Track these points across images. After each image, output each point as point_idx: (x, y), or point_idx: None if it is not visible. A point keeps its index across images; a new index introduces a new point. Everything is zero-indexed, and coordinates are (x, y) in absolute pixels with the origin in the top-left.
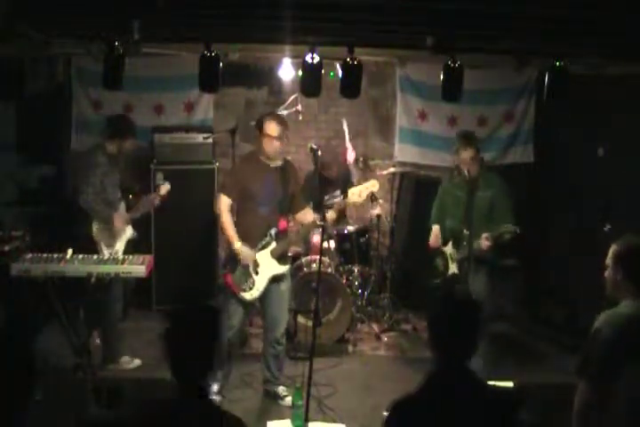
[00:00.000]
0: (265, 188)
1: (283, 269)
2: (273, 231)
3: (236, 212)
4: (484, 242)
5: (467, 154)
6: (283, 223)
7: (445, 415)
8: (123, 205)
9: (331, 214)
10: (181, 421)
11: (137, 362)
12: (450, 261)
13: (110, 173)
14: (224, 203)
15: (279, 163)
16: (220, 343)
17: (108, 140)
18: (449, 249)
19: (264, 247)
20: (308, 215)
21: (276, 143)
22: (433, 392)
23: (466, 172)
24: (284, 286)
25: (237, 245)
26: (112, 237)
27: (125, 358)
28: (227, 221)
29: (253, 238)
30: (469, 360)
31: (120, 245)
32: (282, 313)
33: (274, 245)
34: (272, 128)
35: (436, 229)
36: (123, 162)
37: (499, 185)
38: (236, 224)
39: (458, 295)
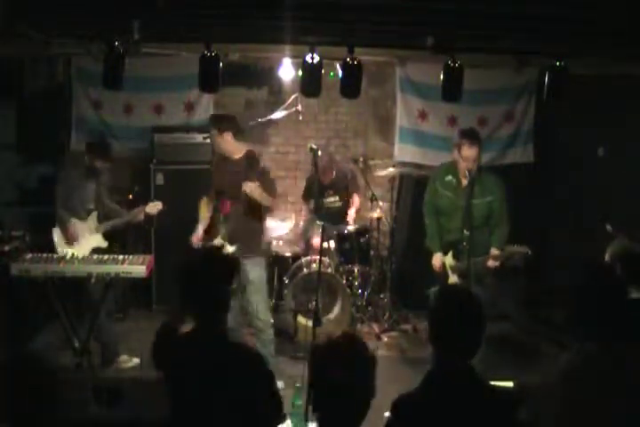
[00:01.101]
0: (230, 181)
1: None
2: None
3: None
4: (492, 262)
5: (471, 152)
6: (226, 206)
7: (446, 414)
8: (93, 217)
9: None
10: (199, 352)
11: (135, 361)
12: (450, 272)
13: (81, 186)
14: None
15: (240, 155)
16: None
17: (86, 152)
18: (449, 260)
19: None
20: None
21: (215, 141)
22: (434, 391)
23: (466, 172)
24: (253, 272)
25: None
26: (69, 243)
27: (124, 358)
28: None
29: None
30: (471, 359)
31: (80, 252)
32: (255, 296)
33: (223, 230)
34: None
35: (437, 256)
36: (104, 177)
37: (498, 189)
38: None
39: (460, 293)
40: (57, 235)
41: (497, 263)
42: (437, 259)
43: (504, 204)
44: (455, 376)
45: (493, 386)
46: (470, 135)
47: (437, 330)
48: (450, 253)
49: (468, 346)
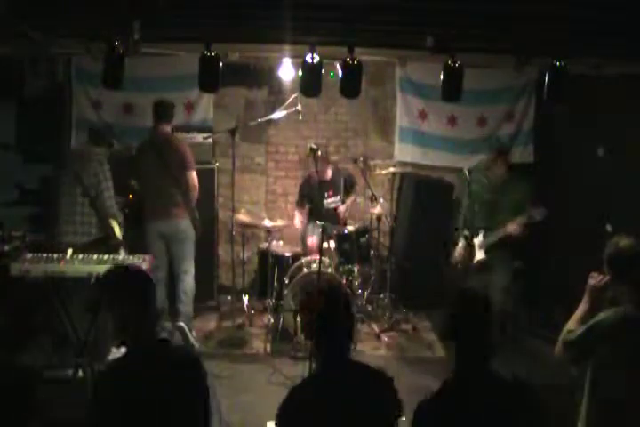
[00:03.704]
0: None
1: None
2: None
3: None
4: (512, 226)
5: (499, 170)
6: None
7: (470, 416)
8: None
9: None
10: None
11: (122, 350)
12: (477, 249)
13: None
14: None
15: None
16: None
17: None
18: (478, 239)
19: None
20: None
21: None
22: (457, 394)
23: (488, 177)
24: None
25: None
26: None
27: (113, 350)
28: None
29: None
30: (491, 359)
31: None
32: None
33: None
34: None
35: (461, 245)
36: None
37: (525, 191)
38: None
39: (476, 295)
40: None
41: (516, 226)
42: (460, 248)
43: (528, 200)
44: (477, 378)
45: (515, 385)
46: (497, 154)
47: (460, 332)
48: (481, 234)
49: (489, 347)
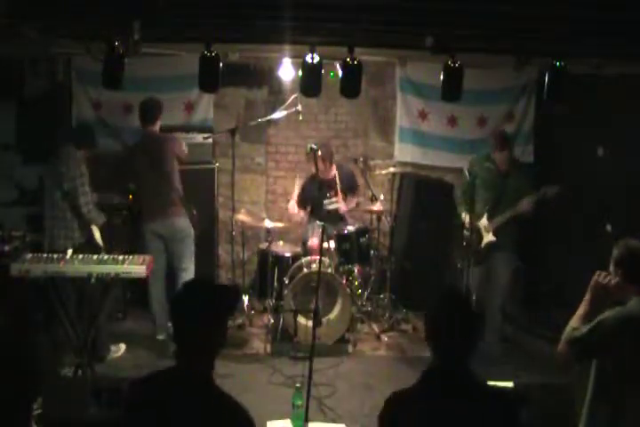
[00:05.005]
0: None
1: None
2: None
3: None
4: (524, 203)
5: (502, 156)
6: None
7: (438, 412)
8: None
9: None
10: (181, 406)
11: (122, 346)
12: (484, 232)
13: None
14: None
15: None
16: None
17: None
18: (483, 222)
19: None
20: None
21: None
22: (428, 389)
23: (496, 166)
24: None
25: None
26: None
27: (113, 348)
28: None
29: None
30: (469, 358)
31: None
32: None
33: None
34: None
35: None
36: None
37: (529, 176)
38: None
39: (455, 295)
40: (98, 236)
41: (532, 203)
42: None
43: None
44: (448, 376)
45: (489, 386)
46: (499, 139)
47: (432, 330)
48: (484, 216)
49: (464, 346)
